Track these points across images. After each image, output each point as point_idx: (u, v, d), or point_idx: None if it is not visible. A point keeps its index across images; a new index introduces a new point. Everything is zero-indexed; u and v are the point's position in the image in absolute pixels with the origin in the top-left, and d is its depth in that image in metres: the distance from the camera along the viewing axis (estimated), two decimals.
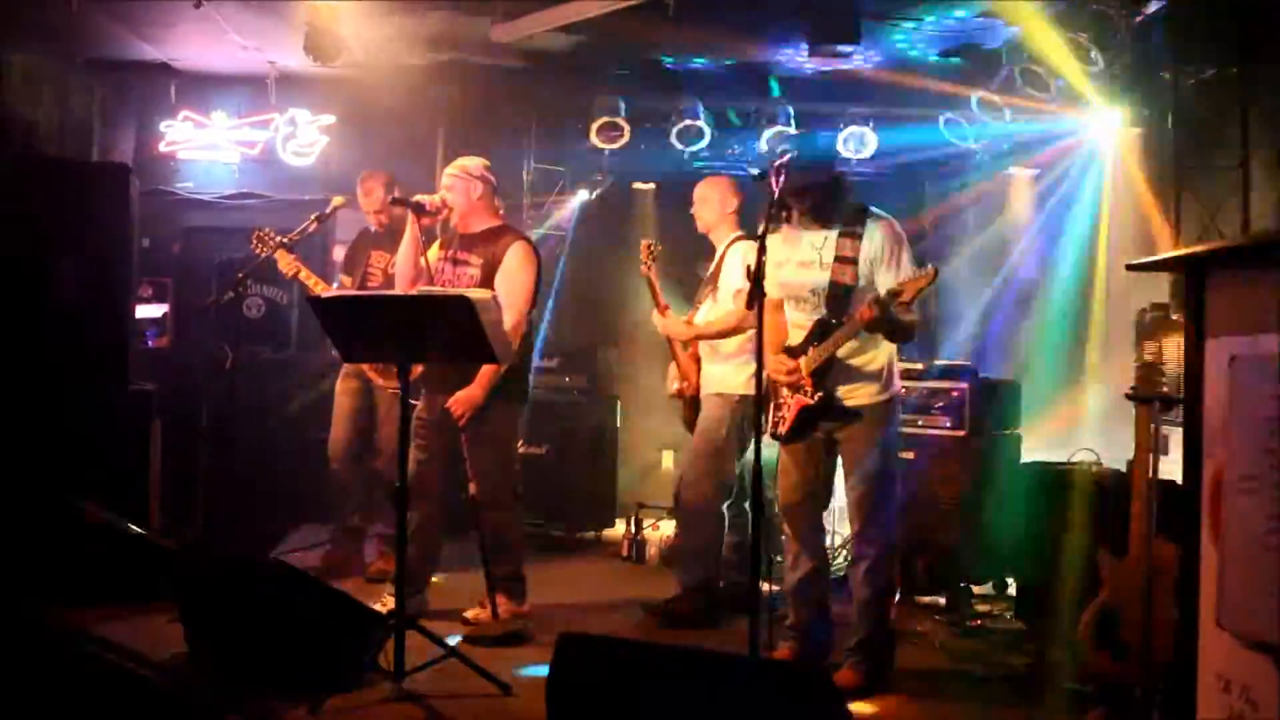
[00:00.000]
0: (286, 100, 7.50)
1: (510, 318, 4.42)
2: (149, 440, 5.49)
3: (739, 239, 4.93)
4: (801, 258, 4.00)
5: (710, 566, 4.93)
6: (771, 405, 4.07)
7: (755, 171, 6.95)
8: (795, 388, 3.96)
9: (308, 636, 3.68)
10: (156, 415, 5.63)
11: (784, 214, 4.01)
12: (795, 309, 4.06)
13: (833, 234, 3.95)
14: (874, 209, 4.01)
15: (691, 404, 5.12)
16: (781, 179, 3.68)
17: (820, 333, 3.92)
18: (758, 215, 3.90)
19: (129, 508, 4.97)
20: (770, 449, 5.80)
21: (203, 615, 3.95)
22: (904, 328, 3.85)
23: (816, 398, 3.91)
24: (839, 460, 4.11)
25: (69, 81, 7.07)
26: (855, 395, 3.95)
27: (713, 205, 5.01)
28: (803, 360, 3.94)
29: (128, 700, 3.02)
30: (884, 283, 3.84)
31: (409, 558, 4.13)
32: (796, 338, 4.04)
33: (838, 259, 3.91)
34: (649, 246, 5.18)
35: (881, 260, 3.88)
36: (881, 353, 3.98)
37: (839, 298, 3.90)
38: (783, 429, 4.02)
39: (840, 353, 3.89)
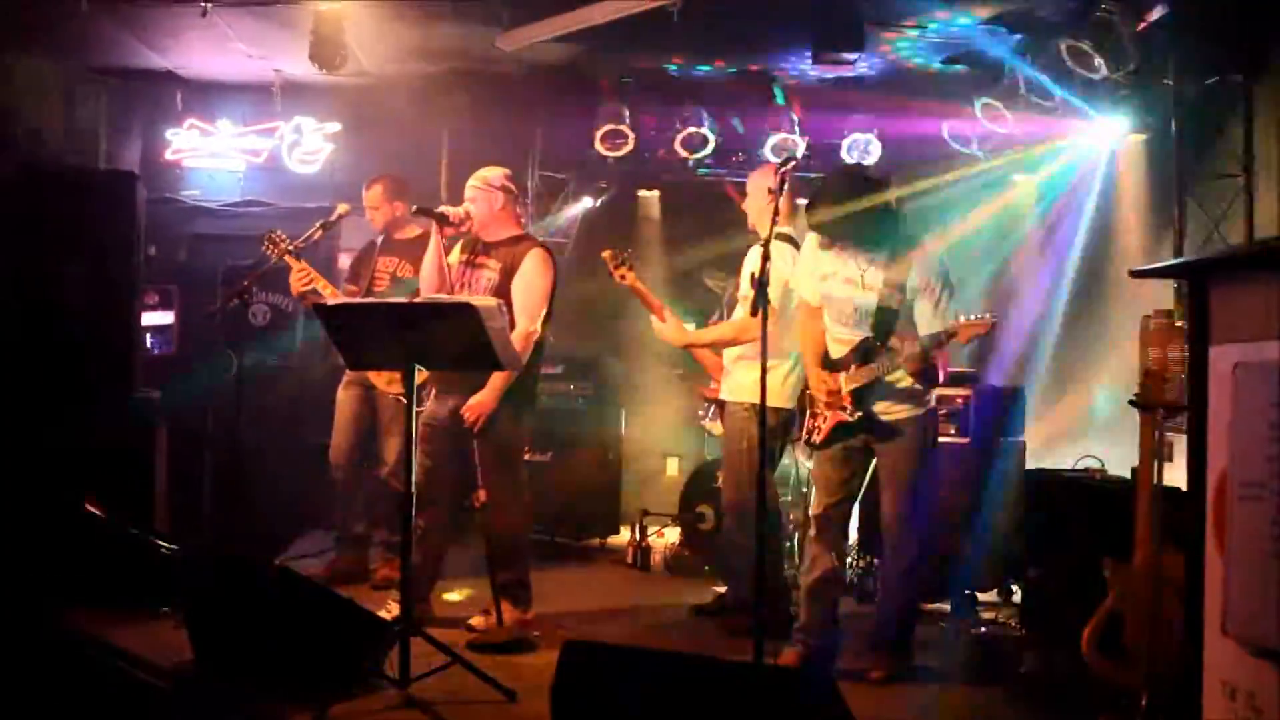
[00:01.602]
0: (292, 108, 7.53)
1: (526, 323, 4.45)
2: (155, 447, 5.50)
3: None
4: (848, 274, 4.04)
5: (776, 573, 4.82)
6: (807, 414, 4.14)
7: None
8: (833, 404, 4.01)
9: (313, 643, 3.68)
10: (162, 421, 5.64)
11: (830, 238, 4.04)
12: (837, 322, 4.11)
13: (881, 257, 3.98)
14: (925, 242, 4.07)
15: (722, 405, 5.07)
16: (785, 186, 3.72)
17: (864, 353, 3.99)
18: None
19: (135, 514, 4.97)
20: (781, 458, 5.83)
21: (208, 621, 3.95)
22: (935, 373, 3.96)
23: (856, 417, 4.00)
24: (873, 467, 4.18)
25: (75, 89, 7.10)
26: (893, 411, 4.03)
27: (759, 198, 4.75)
28: (843, 377, 4.02)
29: (133, 706, 3.03)
30: (922, 312, 3.91)
31: (414, 564, 4.13)
32: (838, 352, 4.09)
33: (886, 284, 3.96)
34: (615, 255, 4.99)
35: (925, 292, 3.92)
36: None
37: (885, 321, 3.96)
38: (818, 438, 4.10)
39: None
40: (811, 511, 4.21)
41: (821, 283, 4.09)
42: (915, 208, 7.42)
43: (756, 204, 4.82)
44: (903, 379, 4.01)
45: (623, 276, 4.99)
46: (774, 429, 4.56)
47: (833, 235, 4.00)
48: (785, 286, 4.47)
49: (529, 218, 7.59)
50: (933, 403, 4.15)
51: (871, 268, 3.99)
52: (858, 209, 3.88)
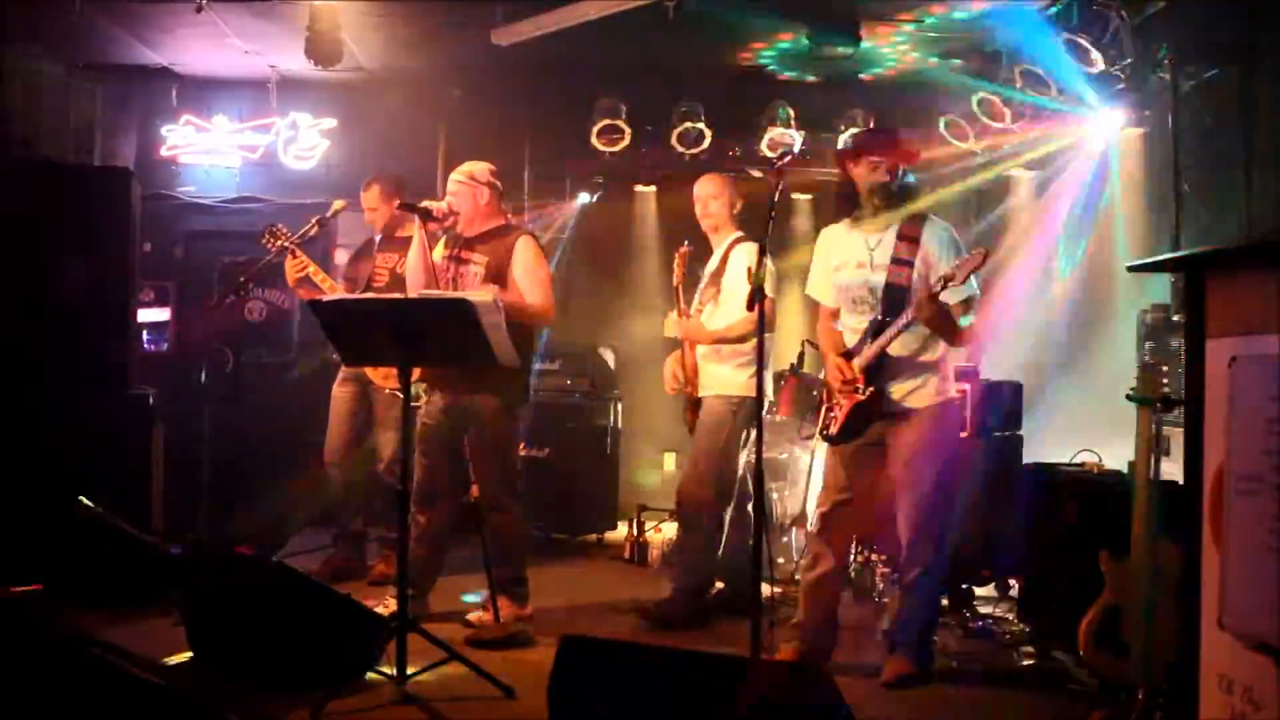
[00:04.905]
0: (288, 104, 7.52)
1: (541, 300, 4.51)
2: (151, 444, 5.49)
3: (740, 240, 4.92)
4: (859, 258, 4.00)
5: (705, 570, 4.92)
6: (824, 408, 4.07)
7: (757, 174, 7.02)
8: (849, 388, 3.94)
9: (310, 639, 3.68)
10: (159, 418, 5.63)
11: (852, 207, 4.02)
12: (853, 313, 4.05)
13: (889, 235, 3.95)
14: (932, 215, 4.02)
15: (694, 405, 5.11)
16: (783, 182, 3.69)
17: (874, 332, 3.92)
18: (756, 218, 3.91)
19: (132, 511, 4.97)
20: (772, 451, 5.86)
21: (206, 618, 3.95)
22: (953, 324, 3.86)
23: (868, 393, 3.89)
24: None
25: (71, 86, 7.08)
26: (909, 396, 3.93)
27: (724, 202, 4.95)
28: (856, 361, 3.94)
29: (131, 703, 3.02)
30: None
31: (415, 561, 4.12)
32: (852, 341, 4.04)
33: (894, 260, 3.91)
34: (685, 256, 5.13)
35: (939, 267, 3.86)
36: (937, 353, 3.96)
37: (895, 299, 3.89)
38: (834, 429, 3.99)
39: (896, 351, 3.89)
40: (817, 508, 4.16)
41: (835, 274, 4.03)
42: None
43: (723, 209, 4.95)
44: (925, 360, 3.92)
45: (680, 277, 5.10)
46: (748, 417, 4.75)
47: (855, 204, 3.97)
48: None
49: (526, 213, 7.58)
50: (953, 393, 4.02)
51: (880, 246, 3.95)
52: (895, 177, 3.91)
